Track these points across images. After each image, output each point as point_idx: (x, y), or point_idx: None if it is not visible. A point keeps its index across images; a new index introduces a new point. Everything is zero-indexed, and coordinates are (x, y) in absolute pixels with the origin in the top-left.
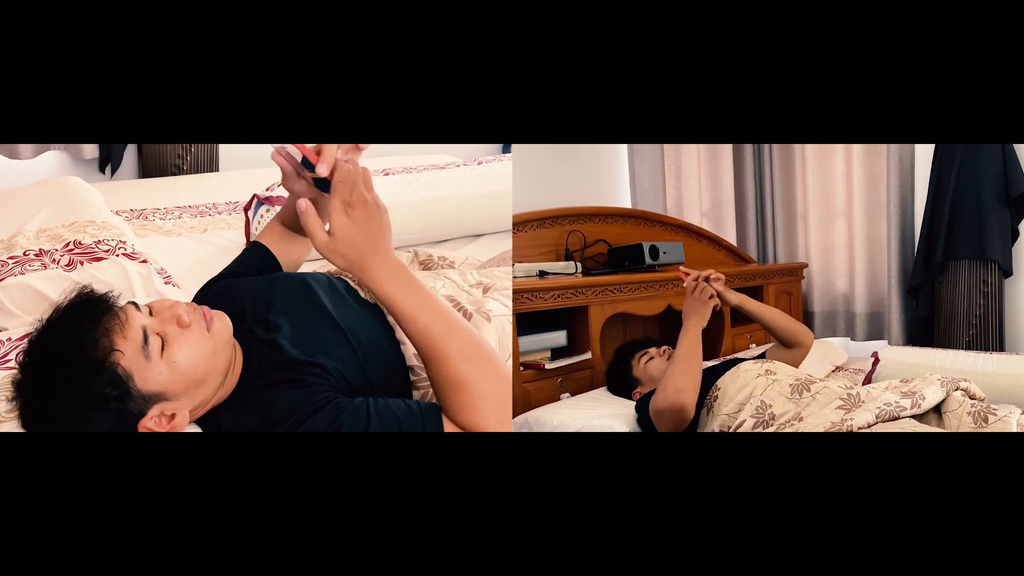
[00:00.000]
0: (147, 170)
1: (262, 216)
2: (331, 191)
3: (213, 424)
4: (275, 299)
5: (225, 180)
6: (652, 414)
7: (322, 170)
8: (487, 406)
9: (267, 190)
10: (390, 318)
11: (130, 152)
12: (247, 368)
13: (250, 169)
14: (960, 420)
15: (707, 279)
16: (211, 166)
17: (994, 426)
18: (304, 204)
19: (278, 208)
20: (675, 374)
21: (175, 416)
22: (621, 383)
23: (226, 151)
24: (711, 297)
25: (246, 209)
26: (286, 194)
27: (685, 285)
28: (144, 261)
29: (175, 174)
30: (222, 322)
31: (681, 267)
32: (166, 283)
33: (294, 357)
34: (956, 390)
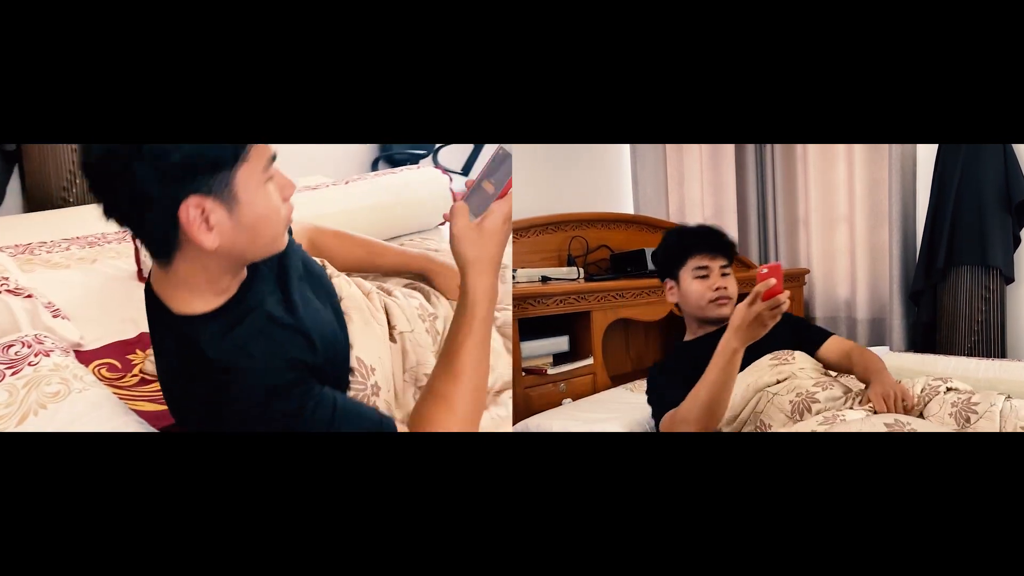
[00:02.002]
0: (32, 204)
1: None
2: (499, 199)
3: (195, 326)
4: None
5: None
6: (661, 426)
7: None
8: (448, 426)
9: None
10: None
11: (14, 187)
12: (248, 284)
13: None
14: (943, 421)
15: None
16: None
17: (979, 425)
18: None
19: None
20: (701, 414)
21: (210, 220)
22: (662, 266)
23: None
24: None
25: (134, 238)
26: None
27: (758, 289)
28: (29, 296)
29: (62, 206)
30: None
31: (766, 267)
32: (55, 316)
33: (281, 319)
34: (938, 394)
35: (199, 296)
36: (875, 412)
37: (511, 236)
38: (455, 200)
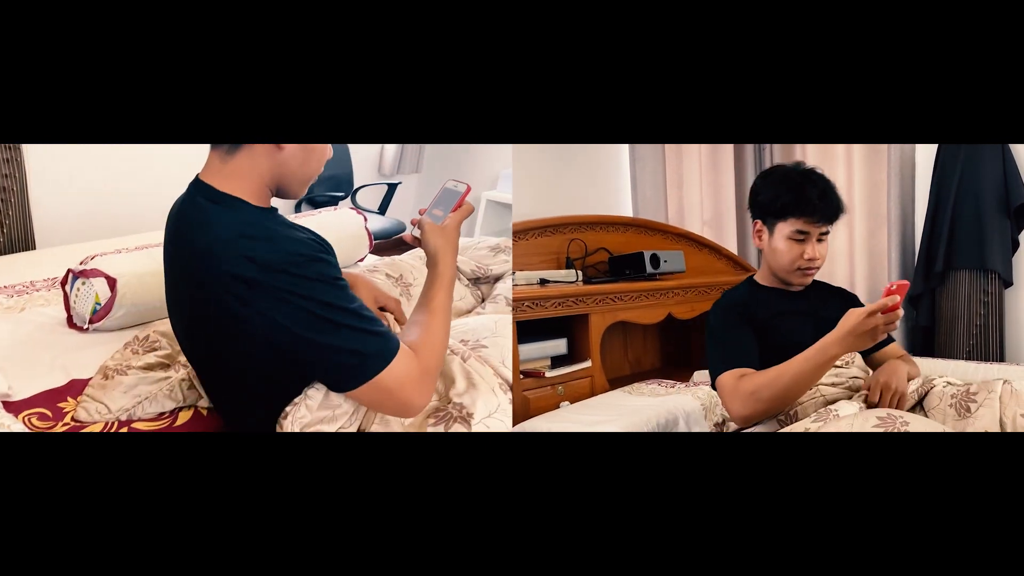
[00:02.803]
0: None
1: (78, 290)
2: (459, 212)
3: (244, 203)
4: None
5: (42, 257)
6: (717, 388)
7: None
8: (429, 358)
9: (81, 264)
10: None
11: None
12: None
13: (67, 245)
14: (944, 413)
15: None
16: (27, 244)
17: (979, 414)
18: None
19: (94, 280)
20: (773, 397)
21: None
22: (757, 206)
23: (41, 228)
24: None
25: (63, 284)
26: (100, 267)
27: (884, 303)
28: None
29: None
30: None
31: (895, 284)
32: None
33: (306, 230)
34: (934, 387)
35: (246, 194)
36: (866, 403)
37: (511, 239)
38: (369, 237)
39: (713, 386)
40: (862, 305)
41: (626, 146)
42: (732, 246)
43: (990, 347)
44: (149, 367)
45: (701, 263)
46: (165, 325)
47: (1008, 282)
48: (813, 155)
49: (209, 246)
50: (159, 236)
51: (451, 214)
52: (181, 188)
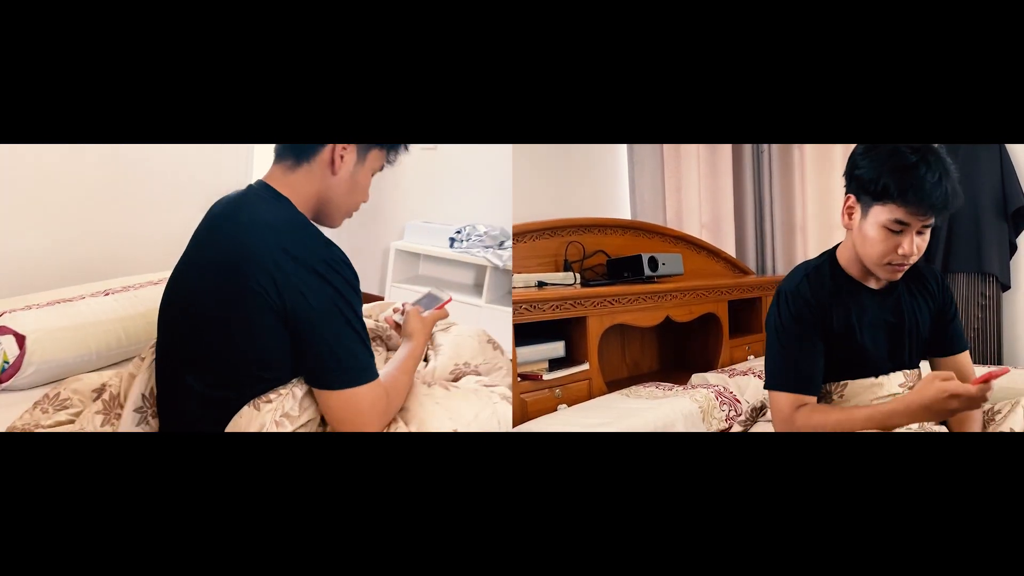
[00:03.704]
0: None
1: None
2: (438, 312)
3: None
4: None
5: None
6: (771, 401)
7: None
8: (394, 398)
9: None
10: None
11: None
12: None
13: None
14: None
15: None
16: None
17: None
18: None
19: (1, 338)
20: (823, 428)
21: (344, 157)
22: (854, 179)
23: None
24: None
25: None
26: (8, 324)
27: (973, 394)
28: None
29: None
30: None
31: (994, 373)
32: None
33: None
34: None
35: (298, 205)
36: None
37: (511, 240)
38: None
39: (766, 386)
40: (949, 297)
41: (624, 148)
42: (730, 249)
43: (988, 350)
44: (59, 426)
45: (699, 266)
46: (77, 383)
47: (1006, 285)
48: (811, 159)
49: (270, 223)
50: (72, 291)
51: (432, 311)
52: (89, 245)
